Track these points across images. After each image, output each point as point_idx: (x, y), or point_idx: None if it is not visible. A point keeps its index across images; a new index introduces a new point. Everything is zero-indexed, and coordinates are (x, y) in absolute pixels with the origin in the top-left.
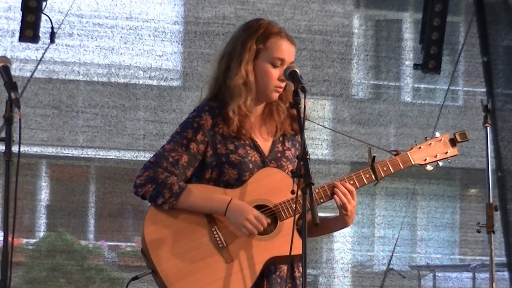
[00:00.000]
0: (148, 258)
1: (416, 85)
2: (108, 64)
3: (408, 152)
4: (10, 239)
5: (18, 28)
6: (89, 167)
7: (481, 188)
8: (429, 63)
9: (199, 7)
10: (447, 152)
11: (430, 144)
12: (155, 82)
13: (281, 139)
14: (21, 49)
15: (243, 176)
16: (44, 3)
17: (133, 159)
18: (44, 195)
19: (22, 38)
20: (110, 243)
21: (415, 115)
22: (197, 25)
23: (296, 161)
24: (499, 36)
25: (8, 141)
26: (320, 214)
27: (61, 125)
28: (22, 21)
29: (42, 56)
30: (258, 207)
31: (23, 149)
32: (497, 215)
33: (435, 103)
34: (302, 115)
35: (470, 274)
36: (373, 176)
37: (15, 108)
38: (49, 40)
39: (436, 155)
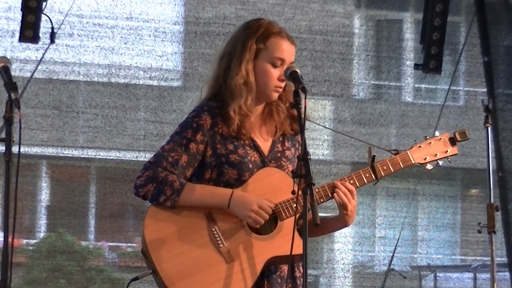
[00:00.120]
0: (148, 258)
1: (417, 85)
2: (108, 64)
3: (408, 151)
4: (10, 239)
5: (18, 28)
6: (90, 168)
7: (482, 188)
8: (430, 63)
9: (199, 7)
10: (447, 151)
11: (430, 143)
12: (155, 83)
13: (280, 139)
14: (21, 50)
15: (243, 176)
16: (44, 3)
17: (134, 159)
18: (44, 196)
19: (22, 38)
20: (110, 244)
21: (416, 115)
22: (197, 25)
23: (296, 161)
24: (500, 36)
25: (8, 142)
26: (320, 214)
27: (61, 126)
28: (22, 21)
29: (42, 57)
30: None
31: (23, 149)
32: (498, 216)
33: (436, 103)
34: (303, 116)
35: (471, 275)
36: (373, 176)
37: (15, 108)
38: (49, 41)
39: (436, 154)
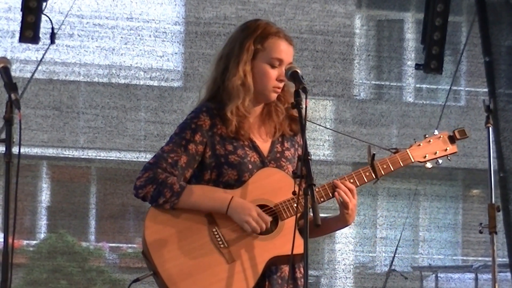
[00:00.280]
0: (149, 259)
1: (418, 85)
2: (108, 64)
3: (407, 150)
4: (10, 240)
5: (18, 28)
6: (90, 168)
7: (483, 189)
8: (431, 63)
9: (200, 7)
10: (446, 149)
11: (429, 141)
12: (156, 83)
13: (280, 139)
14: (21, 50)
15: (242, 177)
16: (44, 4)
17: (134, 160)
18: (44, 197)
19: (22, 38)
20: (111, 245)
21: (417, 116)
22: (198, 25)
23: (296, 161)
24: (501, 36)
25: (8, 142)
26: (320, 215)
27: (61, 126)
28: (22, 21)
29: (43, 57)
30: (259, 207)
31: (24, 150)
32: (500, 216)
33: (437, 103)
34: (304, 116)
35: (472, 275)
36: (373, 175)
37: (15, 109)
38: (49, 41)
39: (436, 152)
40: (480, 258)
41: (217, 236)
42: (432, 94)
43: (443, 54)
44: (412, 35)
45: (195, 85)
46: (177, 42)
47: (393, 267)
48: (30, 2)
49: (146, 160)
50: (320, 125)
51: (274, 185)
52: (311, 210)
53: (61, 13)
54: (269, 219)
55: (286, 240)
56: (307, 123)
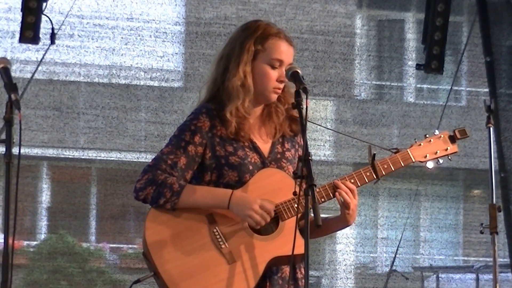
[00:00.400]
0: (149, 260)
1: (418, 86)
2: (109, 65)
3: (408, 150)
4: (10, 241)
5: (18, 29)
6: (90, 169)
7: (484, 189)
8: (431, 63)
9: (200, 7)
10: (447, 149)
11: (430, 141)
12: (156, 83)
13: (280, 140)
14: (22, 50)
15: (243, 178)
16: (44, 4)
17: (135, 160)
18: (45, 197)
19: (22, 39)
20: (111, 245)
21: (418, 116)
22: (198, 25)
23: (296, 161)
24: (502, 36)
25: (8, 143)
26: (321, 215)
27: (61, 127)
28: (22, 22)
29: (43, 57)
30: None
31: (24, 150)
32: (501, 216)
33: (438, 104)
34: (304, 116)
35: (473, 276)
36: (373, 174)
37: (15, 109)
38: (49, 41)
39: (436, 152)
40: (481, 259)
41: (217, 236)
42: (433, 94)
43: (444, 54)
44: (413, 35)
45: (195, 86)
46: (178, 42)
47: (394, 268)
48: (30, 2)
49: (147, 160)
50: (320, 126)
51: (275, 185)
52: (311, 210)
53: (61, 13)
54: (272, 207)
55: (286, 241)
56: (308, 123)
